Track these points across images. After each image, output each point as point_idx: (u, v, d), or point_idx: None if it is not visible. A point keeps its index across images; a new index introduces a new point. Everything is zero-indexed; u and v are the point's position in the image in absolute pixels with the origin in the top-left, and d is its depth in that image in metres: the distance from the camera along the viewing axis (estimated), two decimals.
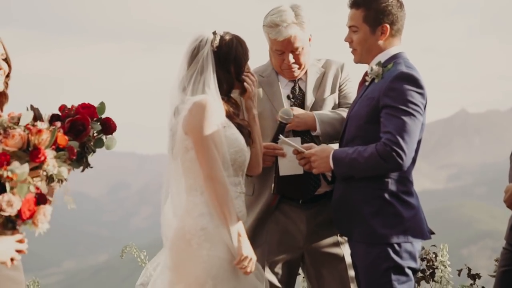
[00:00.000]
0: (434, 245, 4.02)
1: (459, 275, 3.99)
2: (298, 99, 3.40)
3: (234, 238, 2.83)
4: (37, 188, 2.33)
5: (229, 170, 2.89)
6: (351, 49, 3.17)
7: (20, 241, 2.36)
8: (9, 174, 2.26)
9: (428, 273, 3.95)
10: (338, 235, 3.37)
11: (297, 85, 3.42)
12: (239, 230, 2.86)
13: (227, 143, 2.89)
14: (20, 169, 2.26)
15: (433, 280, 3.93)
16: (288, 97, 3.40)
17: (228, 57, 2.95)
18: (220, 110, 2.92)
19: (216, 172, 2.83)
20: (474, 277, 3.92)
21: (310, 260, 3.38)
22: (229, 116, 2.97)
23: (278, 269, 3.35)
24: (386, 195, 3.02)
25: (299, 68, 3.37)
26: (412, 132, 2.94)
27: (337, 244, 3.38)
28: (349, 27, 3.14)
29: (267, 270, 3.31)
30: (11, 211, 2.25)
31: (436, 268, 3.94)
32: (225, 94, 2.98)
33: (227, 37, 2.98)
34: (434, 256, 3.98)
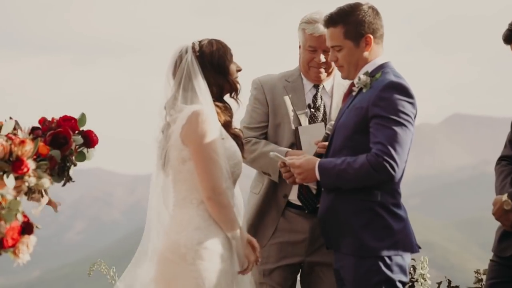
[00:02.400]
0: (413, 258, 3.97)
1: (438, 287, 3.96)
2: (318, 109, 3.41)
3: (239, 246, 2.82)
4: (25, 216, 2.24)
5: (228, 182, 2.84)
6: (337, 66, 3.13)
7: None
8: None
9: (407, 286, 3.89)
10: None
11: (319, 94, 3.44)
12: (247, 237, 2.86)
13: (227, 155, 2.85)
14: (7, 195, 2.10)
15: None
16: (308, 105, 3.42)
17: (212, 58, 2.92)
18: (217, 120, 2.87)
19: (220, 184, 2.78)
20: None
21: (309, 268, 3.39)
22: (224, 125, 2.92)
23: (278, 276, 3.36)
24: (376, 207, 2.96)
25: (326, 71, 3.39)
26: (403, 143, 2.90)
27: None
28: (332, 47, 3.09)
29: (267, 276, 3.35)
30: None
31: (416, 281, 3.90)
32: (216, 98, 2.92)
33: (206, 41, 2.96)
34: (413, 269, 3.93)
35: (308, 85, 3.45)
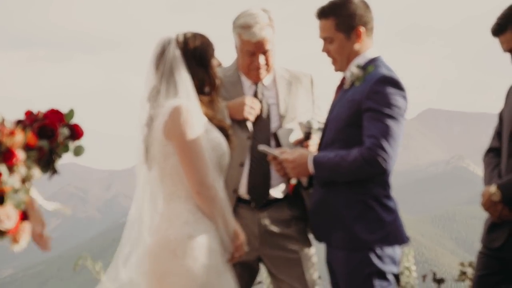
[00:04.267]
0: None
1: (423, 280, 3.96)
2: (260, 104, 3.37)
3: (228, 235, 2.79)
4: None
5: (215, 175, 2.81)
6: (330, 59, 3.11)
7: None
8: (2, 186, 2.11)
9: None
10: (294, 238, 3.31)
11: (259, 90, 3.39)
12: (236, 228, 2.85)
13: (212, 147, 2.81)
14: (15, 183, 2.06)
15: (399, 286, 3.87)
16: None
17: (195, 51, 2.87)
18: (199, 113, 2.83)
19: (208, 177, 2.74)
20: (439, 282, 3.90)
21: (268, 263, 3.36)
22: (208, 118, 2.88)
23: (236, 272, 3.22)
24: (368, 199, 2.97)
25: (266, 70, 3.36)
26: (396, 136, 2.91)
27: (293, 247, 3.32)
28: (323, 38, 3.09)
29: None
30: (9, 225, 2.09)
31: (401, 273, 3.89)
32: (197, 91, 2.87)
33: (190, 34, 2.92)
34: None
35: (246, 81, 3.41)
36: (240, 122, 3.30)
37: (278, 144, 3.23)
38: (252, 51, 3.28)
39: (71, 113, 2.58)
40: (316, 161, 2.98)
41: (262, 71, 3.34)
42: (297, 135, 3.25)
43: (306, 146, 3.20)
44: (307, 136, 3.22)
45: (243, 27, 3.26)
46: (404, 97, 2.95)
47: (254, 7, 3.33)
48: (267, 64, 3.33)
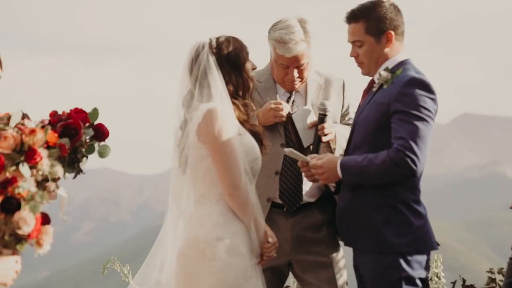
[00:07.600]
0: None
1: (453, 287, 3.92)
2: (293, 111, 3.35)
3: (258, 238, 2.81)
4: None
5: (247, 178, 2.81)
6: (357, 63, 3.10)
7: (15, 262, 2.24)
8: (20, 191, 2.13)
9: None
10: (325, 242, 3.30)
11: (292, 96, 3.38)
12: (267, 230, 2.87)
13: (245, 151, 2.82)
14: (31, 187, 2.11)
15: None
16: None
17: (229, 55, 2.88)
18: (233, 117, 2.84)
19: (241, 180, 2.76)
20: None
21: (298, 268, 3.35)
22: (241, 121, 2.89)
23: (266, 276, 3.24)
24: (397, 204, 2.94)
25: (300, 81, 3.35)
26: (425, 138, 2.88)
27: (323, 251, 3.32)
28: (352, 42, 3.07)
29: None
30: (27, 230, 2.12)
31: (430, 279, 3.86)
32: (232, 95, 2.88)
33: (223, 38, 2.93)
34: None
35: (280, 89, 3.39)
36: (273, 130, 3.29)
37: (294, 128, 3.22)
38: (286, 64, 3.27)
39: (95, 112, 2.55)
40: (344, 165, 2.96)
41: (296, 83, 3.33)
42: (312, 118, 3.24)
43: (322, 129, 3.18)
44: (322, 119, 3.20)
45: (278, 42, 3.23)
46: (434, 100, 2.92)
47: (291, 17, 3.27)
48: (300, 77, 3.31)
